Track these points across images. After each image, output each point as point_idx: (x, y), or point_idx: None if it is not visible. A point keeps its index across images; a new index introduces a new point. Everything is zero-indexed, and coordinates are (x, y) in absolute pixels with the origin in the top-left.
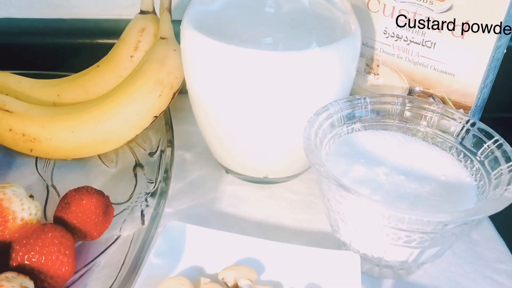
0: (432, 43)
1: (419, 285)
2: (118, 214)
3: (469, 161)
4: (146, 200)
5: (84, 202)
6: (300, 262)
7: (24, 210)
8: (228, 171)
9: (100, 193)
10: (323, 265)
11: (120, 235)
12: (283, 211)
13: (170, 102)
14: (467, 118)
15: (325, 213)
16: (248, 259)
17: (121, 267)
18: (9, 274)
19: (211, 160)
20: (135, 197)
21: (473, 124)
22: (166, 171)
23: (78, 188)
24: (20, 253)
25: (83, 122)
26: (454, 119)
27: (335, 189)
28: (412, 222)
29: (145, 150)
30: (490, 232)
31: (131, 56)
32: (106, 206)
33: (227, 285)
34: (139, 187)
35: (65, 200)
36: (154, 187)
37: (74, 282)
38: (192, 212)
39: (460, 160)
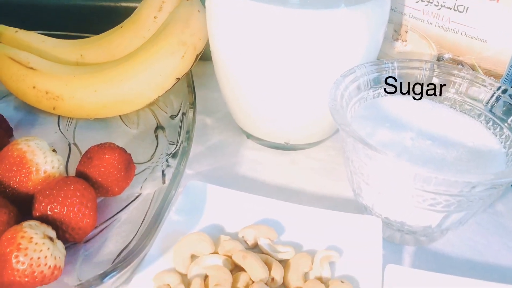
0: (464, 7)
1: (440, 253)
2: (139, 173)
3: (498, 129)
4: (167, 160)
5: (106, 156)
6: (321, 225)
7: (47, 163)
8: (249, 136)
9: (122, 149)
10: (344, 229)
11: (140, 193)
12: (304, 177)
13: (193, 64)
14: (498, 85)
15: (348, 177)
16: (268, 220)
17: (141, 223)
18: (32, 222)
19: (232, 125)
20: (156, 158)
21: (504, 91)
22: (188, 132)
23: (100, 144)
24: (43, 204)
25: (106, 81)
26: (485, 86)
27: (361, 148)
28: (439, 183)
29: (166, 113)
30: None
31: (155, 17)
32: (128, 162)
33: (247, 243)
34: (160, 148)
35: (88, 155)
36: (175, 148)
37: (95, 235)
38: (212, 174)
39: (488, 128)
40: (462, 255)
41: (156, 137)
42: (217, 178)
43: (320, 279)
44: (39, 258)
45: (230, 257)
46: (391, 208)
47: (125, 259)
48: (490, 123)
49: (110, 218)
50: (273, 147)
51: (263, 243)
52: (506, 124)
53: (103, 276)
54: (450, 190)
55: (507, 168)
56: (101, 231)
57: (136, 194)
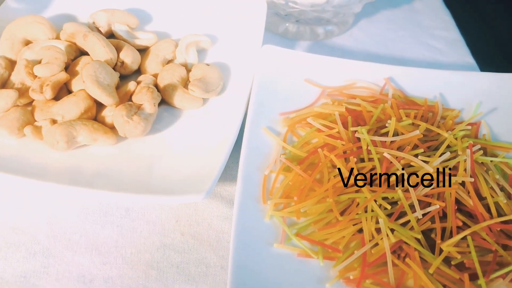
0: None
1: (339, 47)
2: None
3: None
4: None
5: None
6: (196, 15)
7: None
8: None
9: None
10: (223, 16)
11: None
12: None
13: None
14: None
15: None
16: (131, 10)
17: None
18: None
19: None
20: None
21: None
22: None
23: None
24: None
25: None
26: None
27: None
28: None
29: None
30: (436, 2)
31: None
32: None
33: (99, 31)
34: None
35: None
36: None
37: None
38: None
39: None
40: (366, 49)
41: None
42: None
43: (185, 65)
44: None
45: (74, 44)
46: None
47: None
48: None
49: None
50: None
51: (118, 29)
52: None
53: None
54: None
55: None
56: None
57: None
